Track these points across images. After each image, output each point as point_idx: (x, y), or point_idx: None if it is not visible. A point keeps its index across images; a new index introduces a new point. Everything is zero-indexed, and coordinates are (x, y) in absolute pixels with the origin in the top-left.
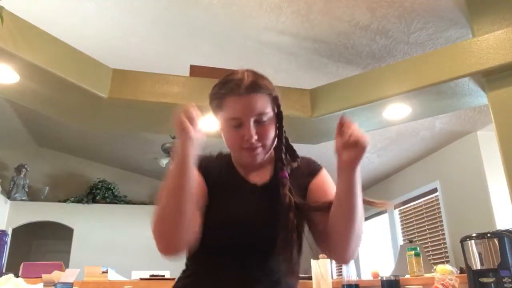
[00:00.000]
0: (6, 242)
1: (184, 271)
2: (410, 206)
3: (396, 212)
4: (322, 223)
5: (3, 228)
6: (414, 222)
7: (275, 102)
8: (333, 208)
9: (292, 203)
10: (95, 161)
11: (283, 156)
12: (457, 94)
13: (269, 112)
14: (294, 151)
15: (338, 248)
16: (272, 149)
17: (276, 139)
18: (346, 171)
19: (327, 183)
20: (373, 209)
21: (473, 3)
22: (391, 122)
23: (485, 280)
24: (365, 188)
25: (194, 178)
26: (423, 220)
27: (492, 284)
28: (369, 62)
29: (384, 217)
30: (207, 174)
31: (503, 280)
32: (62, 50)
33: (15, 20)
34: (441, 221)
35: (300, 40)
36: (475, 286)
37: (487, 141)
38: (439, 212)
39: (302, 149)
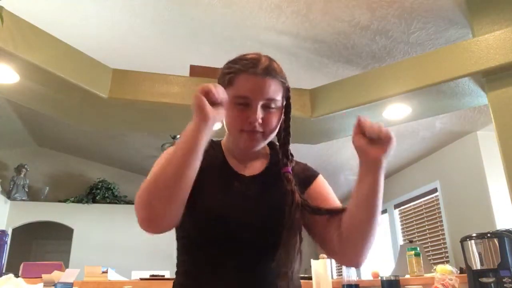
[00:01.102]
0: (6, 242)
1: (177, 270)
2: (410, 206)
3: (396, 212)
4: (320, 227)
5: (3, 228)
6: (414, 222)
7: (286, 92)
8: (354, 210)
9: (299, 201)
10: (95, 161)
11: (289, 150)
12: (457, 94)
13: (279, 100)
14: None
15: (353, 252)
16: (268, 140)
17: (283, 132)
18: (374, 167)
19: (326, 189)
20: None
21: (473, 3)
22: (391, 122)
23: (485, 280)
24: None
25: (200, 158)
26: (423, 220)
27: (492, 284)
28: (369, 62)
29: (384, 217)
30: None
31: (503, 280)
32: (62, 50)
33: (15, 20)
34: (441, 221)
35: (300, 40)
36: (475, 286)
37: (487, 141)
38: (439, 212)
39: (302, 149)
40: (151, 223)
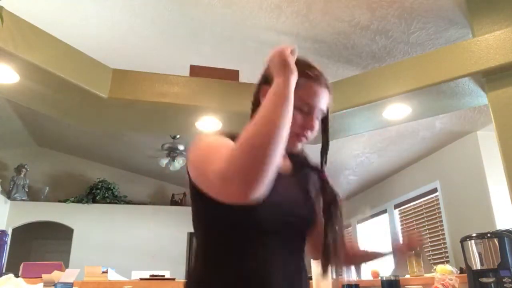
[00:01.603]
0: (6, 242)
1: (216, 265)
2: (410, 206)
3: (396, 212)
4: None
5: (3, 228)
6: (414, 222)
7: (329, 108)
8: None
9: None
10: (95, 161)
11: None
12: (457, 94)
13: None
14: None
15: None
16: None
17: (323, 139)
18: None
19: None
20: (373, 209)
21: (473, 3)
22: (391, 122)
23: (485, 280)
24: (365, 188)
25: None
26: (423, 220)
27: (492, 284)
28: (369, 62)
29: (384, 217)
30: None
31: (503, 280)
32: (62, 50)
33: (15, 20)
34: (441, 221)
35: (300, 40)
36: (475, 286)
37: (487, 141)
38: (439, 212)
39: None
40: (249, 186)
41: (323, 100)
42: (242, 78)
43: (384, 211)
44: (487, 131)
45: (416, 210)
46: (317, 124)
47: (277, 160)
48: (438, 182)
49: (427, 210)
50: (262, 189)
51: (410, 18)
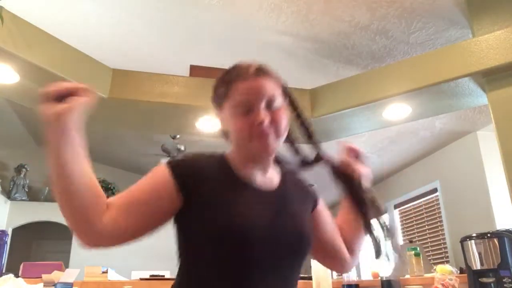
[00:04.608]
0: (6, 242)
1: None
2: (410, 206)
3: (396, 212)
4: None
5: (3, 228)
6: (414, 222)
7: (285, 89)
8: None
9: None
10: (95, 161)
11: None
12: (457, 94)
13: (279, 96)
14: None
15: (347, 260)
16: (281, 141)
17: (301, 127)
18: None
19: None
20: None
21: (473, 3)
22: (391, 122)
23: (485, 280)
24: None
25: (76, 153)
26: (423, 220)
27: (492, 284)
28: (369, 62)
29: (384, 217)
30: (200, 179)
31: (503, 280)
32: (62, 50)
33: (15, 20)
34: (441, 221)
35: (300, 40)
36: (475, 286)
37: (487, 141)
38: (439, 212)
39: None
40: (85, 239)
41: (259, 89)
42: None
43: (384, 211)
44: (487, 131)
45: (416, 210)
46: (267, 115)
47: (82, 213)
48: (438, 182)
49: (427, 210)
50: (88, 238)
51: (410, 18)
